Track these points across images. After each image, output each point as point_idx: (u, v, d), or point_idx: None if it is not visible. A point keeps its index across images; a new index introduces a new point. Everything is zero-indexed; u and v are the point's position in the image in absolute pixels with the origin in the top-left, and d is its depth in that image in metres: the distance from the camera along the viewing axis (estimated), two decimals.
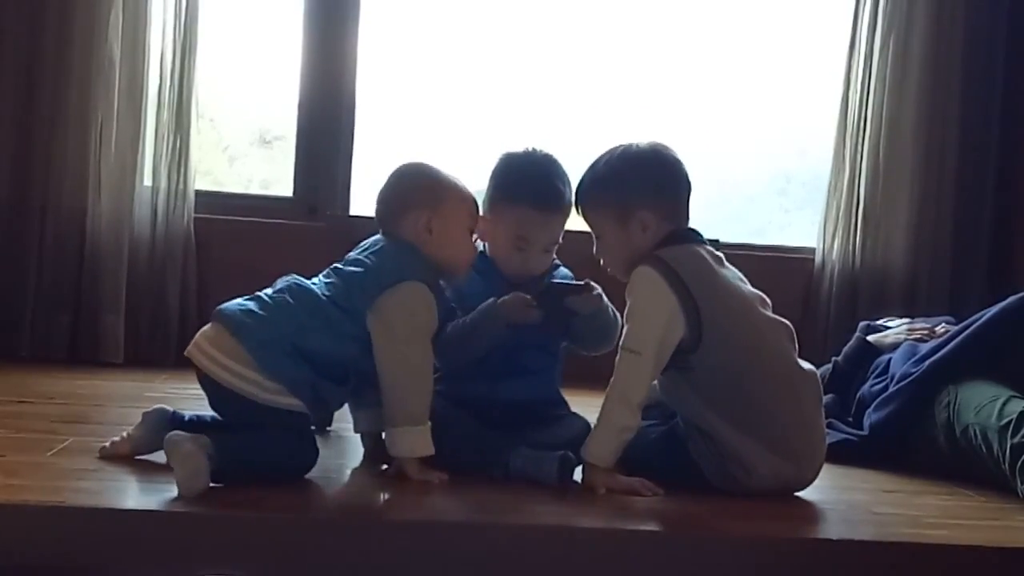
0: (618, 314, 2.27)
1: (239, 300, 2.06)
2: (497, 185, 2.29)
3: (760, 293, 2.20)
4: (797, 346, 2.19)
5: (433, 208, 2.13)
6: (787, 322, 2.19)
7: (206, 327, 2.05)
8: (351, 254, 2.16)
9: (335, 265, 2.14)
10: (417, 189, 2.16)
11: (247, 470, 1.90)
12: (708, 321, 2.06)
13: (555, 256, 2.39)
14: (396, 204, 2.16)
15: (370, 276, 2.05)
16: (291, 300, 2.02)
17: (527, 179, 2.27)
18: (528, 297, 2.15)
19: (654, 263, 2.09)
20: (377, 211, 2.20)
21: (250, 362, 1.94)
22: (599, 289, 2.20)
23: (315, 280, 2.11)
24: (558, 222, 2.27)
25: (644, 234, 2.17)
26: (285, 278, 2.11)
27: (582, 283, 2.21)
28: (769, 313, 2.18)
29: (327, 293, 2.04)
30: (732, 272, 2.20)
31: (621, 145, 2.24)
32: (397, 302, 2.03)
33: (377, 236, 2.17)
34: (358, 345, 2.02)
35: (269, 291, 2.08)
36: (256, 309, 2.01)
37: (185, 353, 2.03)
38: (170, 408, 2.08)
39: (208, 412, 2.12)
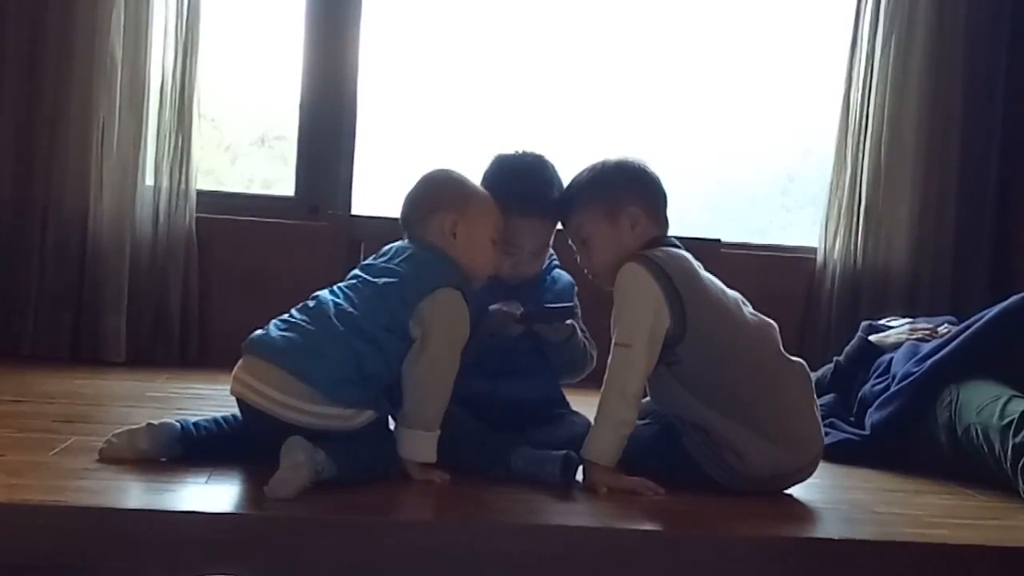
0: (592, 352, 2.32)
1: (281, 332, 2.01)
2: (485, 190, 2.29)
3: (740, 296, 2.23)
4: (780, 339, 2.20)
5: (460, 212, 2.14)
6: (770, 320, 2.22)
7: (252, 363, 1.99)
8: (376, 262, 2.14)
9: (360, 275, 2.11)
10: (445, 192, 2.18)
11: (358, 478, 1.94)
12: (692, 311, 2.10)
13: (556, 258, 2.40)
14: (424, 205, 2.17)
15: (408, 285, 2.04)
16: (342, 328, 1.99)
17: (510, 184, 2.26)
18: (514, 313, 2.17)
19: (638, 259, 2.14)
20: (403, 212, 2.20)
21: (326, 400, 1.95)
22: (572, 325, 2.25)
23: (340, 292, 2.07)
24: (542, 226, 2.27)
25: (633, 232, 2.20)
26: (319, 297, 2.07)
27: (568, 306, 2.24)
28: (750, 309, 2.21)
29: (371, 315, 2.02)
30: (713, 277, 2.23)
31: (598, 161, 2.28)
32: (436, 310, 2.03)
33: (400, 243, 2.17)
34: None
35: (306, 316, 2.03)
36: (310, 344, 1.97)
37: (238, 396, 2.00)
38: (178, 424, 2.05)
39: (212, 414, 2.12)
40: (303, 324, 2.02)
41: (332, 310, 2.03)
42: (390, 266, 2.10)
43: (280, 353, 1.97)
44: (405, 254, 2.12)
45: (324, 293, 2.10)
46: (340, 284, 2.12)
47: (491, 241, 2.18)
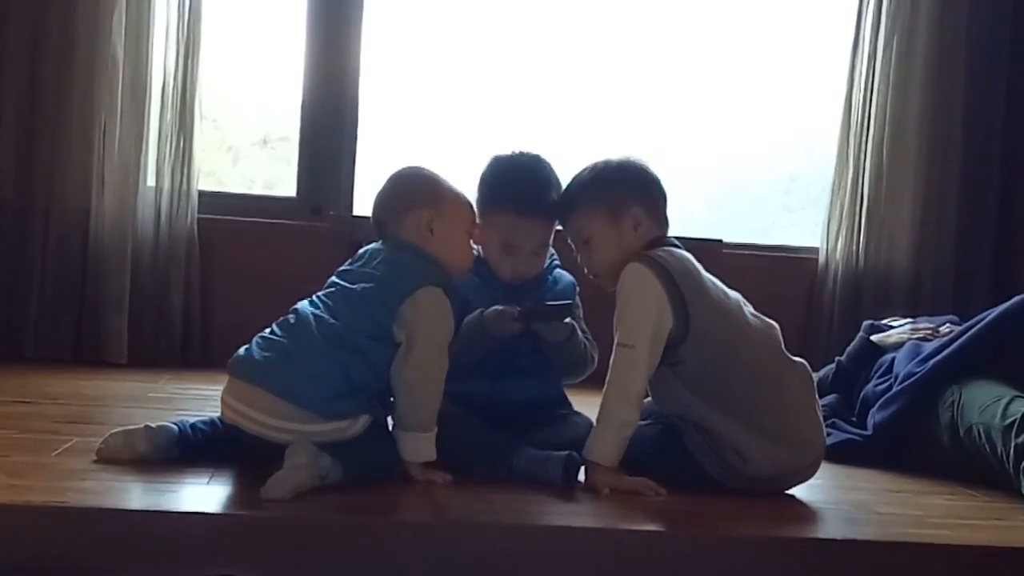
0: (593, 353, 2.31)
1: (265, 353, 1.98)
2: (482, 191, 2.29)
3: (741, 297, 2.22)
4: (782, 340, 2.20)
5: (436, 207, 2.12)
6: (771, 321, 2.22)
7: (240, 387, 1.97)
8: (351, 267, 2.12)
9: (337, 282, 2.09)
10: (419, 189, 2.16)
11: (364, 479, 1.94)
12: (694, 312, 2.09)
13: (557, 258, 2.39)
14: (398, 203, 2.15)
15: (386, 288, 2.02)
16: (326, 342, 1.97)
17: (508, 184, 2.27)
18: (513, 312, 2.16)
19: (641, 259, 2.13)
20: (375, 213, 2.18)
21: (319, 418, 1.94)
22: (572, 324, 2.24)
23: (319, 302, 2.05)
24: (542, 226, 2.27)
25: (635, 232, 2.20)
26: (298, 310, 2.05)
27: (566, 303, 2.23)
28: (751, 310, 2.21)
29: (353, 324, 2.00)
30: (714, 278, 2.22)
31: (600, 160, 2.27)
32: (418, 311, 2.01)
33: (375, 245, 2.15)
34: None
35: (287, 333, 2.01)
36: (296, 363, 1.95)
37: (231, 423, 1.98)
38: (176, 427, 2.05)
39: (212, 414, 2.12)
40: (284, 342, 2.00)
41: (313, 323, 2.00)
42: (367, 270, 2.07)
43: (265, 375, 1.95)
44: (380, 256, 2.09)
45: (304, 305, 2.07)
46: (319, 293, 2.10)
47: (468, 235, 2.17)
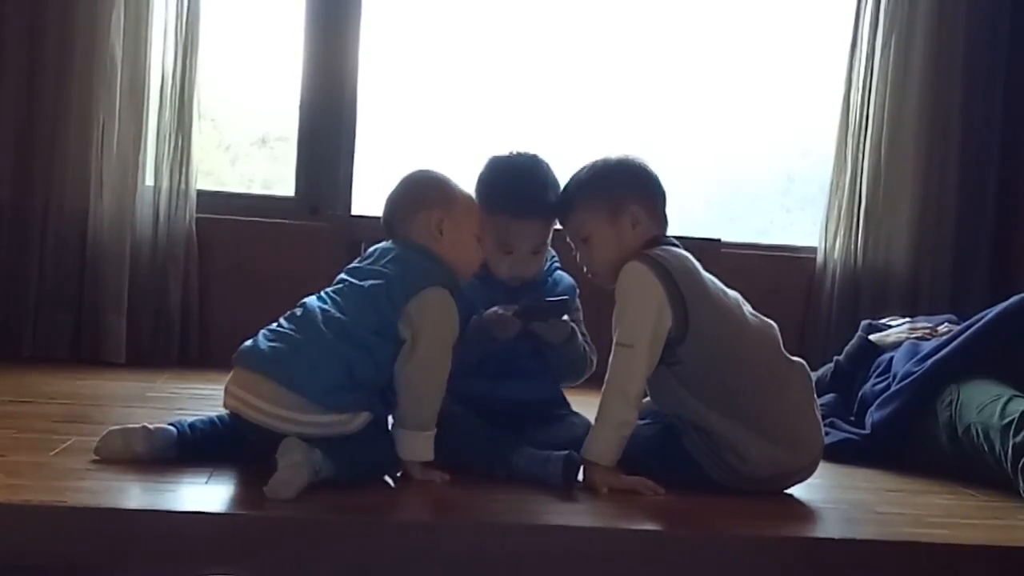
0: (592, 356, 2.31)
1: (270, 343, 1.99)
2: (480, 192, 2.29)
3: (739, 296, 2.22)
4: (780, 339, 2.20)
5: (445, 209, 2.14)
6: (769, 320, 2.22)
7: (243, 376, 1.98)
8: (361, 265, 2.13)
9: (346, 279, 2.10)
10: (430, 190, 2.18)
11: (358, 477, 1.94)
12: (694, 311, 2.09)
13: (557, 260, 2.39)
14: (408, 204, 2.16)
15: (394, 286, 2.03)
16: (331, 335, 1.98)
17: (504, 185, 2.26)
18: (509, 315, 2.16)
19: (641, 258, 2.13)
20: (386, 213, 2.20)
21: (319, 408, 1.94)
22: (572, 326, 2.24)
23: (327, 297, 2.07)
24: (538, 226, 2.26)
25: (634, 230, 2.20)
26: (306, 304, 2.06)
27: (562, 298, 2.23)
28: (749, 309, 2.21)
29: (360, 319, 2.00)
30: (713, 277, 2.22)
31: (599, 158, 2.27)
32: (423, 310, 2.02)
33: (385, 244, 2.15)
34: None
35: (293, 325, 2.02)
36: (299, 354, 1.96)
37: (233, 410, 1.98)
38: (175, 429, 2.05)
39: (208, 413, 2.12)
40: (291, 333, 2.01)
41: (320, 317, 2.01)
42: (376, 268, 2.09)
43: (270, 364, 1.96)
44: (390, 255, 2.10)
45: (311, 299, 2.08)
46: (327, 289, 2.11)
47: (476, 238, 2.18)
